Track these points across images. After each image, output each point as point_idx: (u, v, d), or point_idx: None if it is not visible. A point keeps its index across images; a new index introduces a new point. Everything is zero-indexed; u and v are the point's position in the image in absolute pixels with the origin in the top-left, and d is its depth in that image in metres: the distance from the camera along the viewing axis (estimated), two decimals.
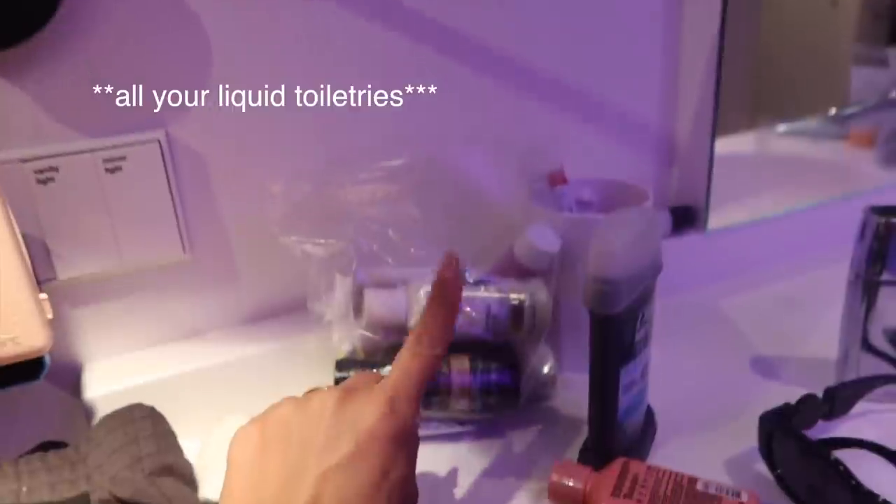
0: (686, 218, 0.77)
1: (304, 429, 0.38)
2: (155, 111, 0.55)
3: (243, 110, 0.57)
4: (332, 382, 0.55)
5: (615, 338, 0.48)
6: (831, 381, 0.60)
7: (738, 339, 0.70)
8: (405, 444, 0.39)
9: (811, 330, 0.70)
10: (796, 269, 0.81)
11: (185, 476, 0.50)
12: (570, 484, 0.48)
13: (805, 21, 0.98)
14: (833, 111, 1.02)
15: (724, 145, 0.76)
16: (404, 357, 0.41)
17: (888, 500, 0.43)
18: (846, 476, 0.44)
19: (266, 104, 0.57)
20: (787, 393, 0.54)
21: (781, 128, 1.05)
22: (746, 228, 0.80)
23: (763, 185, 0.91)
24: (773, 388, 0.62)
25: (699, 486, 0.46)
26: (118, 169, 0.54)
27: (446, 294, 0.43)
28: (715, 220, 0.78)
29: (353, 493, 0.36)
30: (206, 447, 0.52)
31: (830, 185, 0.93)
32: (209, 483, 0.48)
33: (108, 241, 0.56)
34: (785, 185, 0.92)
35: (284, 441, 0.38)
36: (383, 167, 0.55)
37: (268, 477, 0.37)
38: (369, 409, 0.38)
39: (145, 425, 0.52)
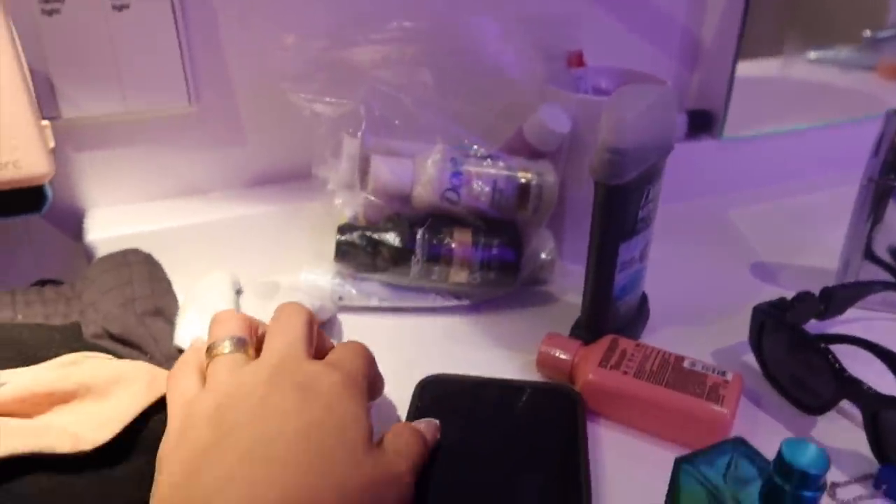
0: (702, 122, 0.75)
1: (244, 384, 0.35)
2: None
3: None
4: (332, 247, 0.55)
5: (618, 210, 0.47)
6: None
7: (741, 244, 0.70)
8: (354, 390, 0.36)
9: (814, 243, 0.70)
10: (808, 186, 0.81)
11: (173, 320, 0.51)
12: (559, 354, 0.49)
13: None
14: (868, 33, 0.98)
15: (749, 68, 0.74)
16: (346, 352, 0.40)
17: (872, 387, 0.44)
18: (833, 362, 0.45)
19: None
20: (782, 295, 0.54)
21: (811, 54, 1.02)
22: (762, 140, 0.79)
23: (785, 107, 0.88)
24: (769, 290, 0.62)
25: (685, 364, 0.47)
26: (125, 7, 0.53)
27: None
28: (731, 132, 0.77)
29: (299, 428, 0.33)
30: (185, 298, 0.53)
31: (853, 110, 0.91)
32: (179, 330, 0.49)
33: (113, 83, 0.55)
34: (807, 109, 0.90)
35: (228, 402, 0.34)
36: (398, 28, 0.54)
37: (201, 434, 0.33)
38: (310, 366, 0.36)
39: (141, 269, 0.52)
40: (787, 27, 0.91)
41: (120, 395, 0.39)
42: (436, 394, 0.45)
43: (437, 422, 0.41)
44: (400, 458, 0.36)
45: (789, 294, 0.55)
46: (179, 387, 0.37)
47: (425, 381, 0.46)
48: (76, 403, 0.38)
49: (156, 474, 0.34)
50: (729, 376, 0.46)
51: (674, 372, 0.46)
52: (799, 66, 1.01)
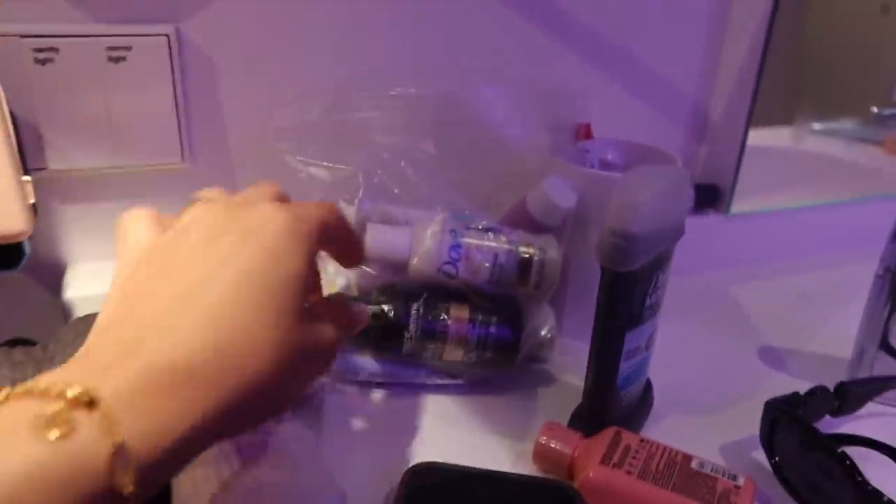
0: (710, 197, 0.74)
1: (188, 235, 0.33)
2: (168, 4, 0.51)
3: (260, 11, 0.53)
4: None
5: (625, 298, 0.45)
6: (840, 379, 0.57)
7: (747, 326, 0.67)
8: (300, 241, 0.33)
9: (824, 326, 0.67)
10: (816, 264, 0.79)
11: None
12: (558, 447, 0.45)
13: (853, 23, 0.93)
14: (875, 109, 0.98)
15: (756, 137, 0.74)
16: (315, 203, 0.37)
17: (893, 500, 0.40)
18: (852, 471, 0.42)
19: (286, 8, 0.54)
20: (793, 386, 0.51)
21: (817, 126, 1.01)
22: (769, 216, 0.77)
23: (792, 179, 0.87)
24: (779, 379, 0.60)
25: (693, 465, 0.44)
26: (122, 59, 0.51)
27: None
28: (738, 206, 0.75)
29: (232, 276, 0.30)
30: None
31: (860, 186, 0.90)
32: None
33: (104, 135, 0.53)
34: (814, 182, 0.89)
35: (165, 248, 0.33)
36: (401, 95, 0.52)
37: (139, 271, 0.32)
38: (261, 206, 0.33)
39: None
40: (794, 99, 0.91)
41: None
42: (425, 483, 0.42)
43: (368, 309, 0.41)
44: (332, 328, 0.34)
45: (800, 384, 0.52)
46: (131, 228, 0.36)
47: (415, 469, 0.43)
48: None
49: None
50: (741, 480, 0.43)
51: (681, 474, 0.43)
52: (805, 138, 1.00)
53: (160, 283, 0.31)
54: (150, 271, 0.32)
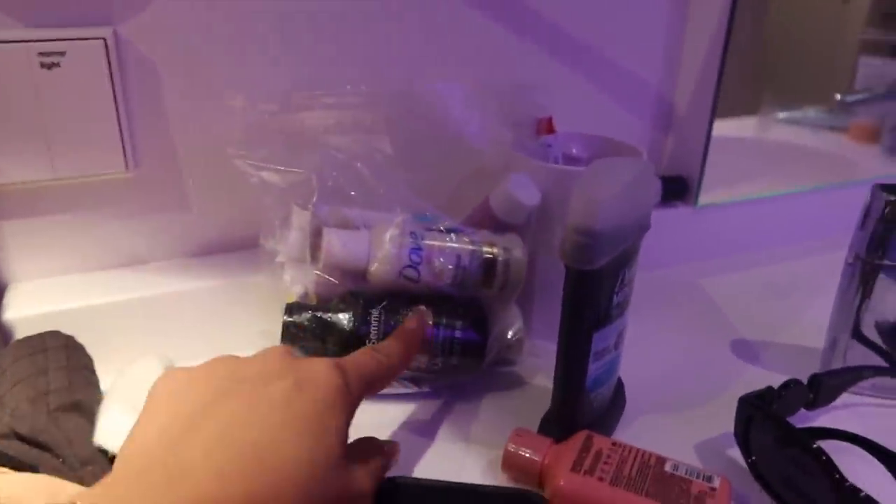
0: (677, 189, 0.72)
1: (242, 369, 0.35)
2: (104, 6, 0.49)
3: (202, 12, 0.50)
4: (279, 328, 0.50)
5: (591, 297, 0.43)
6: (814, 371, 0.56)
7: (719, 319, 0.66)
8: (345, 402, 0.36)
9: (795, 318, 0.66)
10: (786, 255, 0.78)
11: (93, 415, 0.44)
12: (527, 455, 0.44)
13: (815, 10, 0.93)
14: (838, 96, 0.98)
15: (722, 128, 0.73)
16: (360, 352, 0.41)
17: (870, 496, 0.39)
18: (828, 467, 0.40)
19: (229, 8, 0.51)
20: (766, 379, 0.50)
21: (781, 115, 1.01)
22: (737, 206, 0.76)
23: (758, 169, 0.87)
24: (752, 373, 0.58)
25: (667, 468, 0.42)
26: (55, 65, 0.48)
27: (411, 334, 0.46)
28: (705, 198, 0.74)
29: (282, 420, 0.32)
30: (111, 389, 0.47)
31: (827, 175, 0.90)
32: (101, 427, 0.42)
33: (40, 147, 0.50)
34: (781, 171, 0.88)
35: (218, 375, 0.35)
36: (355, 92, 0.50)
37: (191, 398, 0.33)
38: (316, 363, 0.37)
39: (58, 356, 0.47)
40: (758, 89, 0.90)
41: None
42: (393, 499, 0.40)
43: (398, 444, 0.43)
44: (370, 479, 0.36)
45: (773, 376, 0.51)
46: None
47: (381, 485, 0.41)
48: None
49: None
50: (716, 482, 0.41)
51: (654, 478, 0.41)
52: (770, 127, 1.00)
53: (210, 412, 0.32)
54: (203, 396, 0.33)
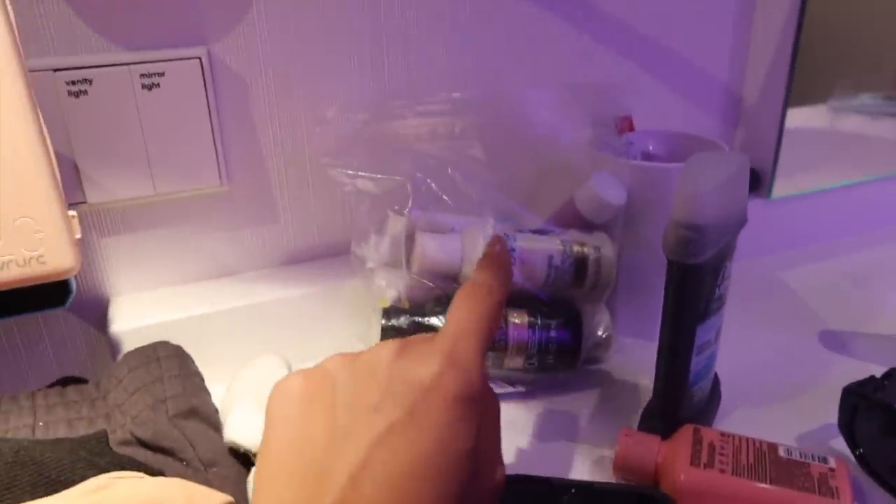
0: (750, 182, 0.72)
1: (352, 385, 0.33)
2: (197, 26, 0.50)
3: (292, 26, 0.52)
4: (374, 331, 0.51)
5: (695, 291, 0.43)
6: None
7: (802, 311, 0.66)
8: (471, 405, 0.33)
9: (879, 307, 0.66)
10: (863, 243, 0.77)
11: (210, 420, 0.46)
12: (640, 455, 0.44)
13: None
14: None
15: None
16: (460, 307, 0.36)
17: None
18: None
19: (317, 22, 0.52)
20: (858, 369, 0.50)
21: (841, 104, 1.00)
22: (811, 197, 0.75)
23: (823, 159, 0.86)
24: (842, 363, 0.58)
25: (781, 453, 0.42)
26: (156, 86, 0.50)
27: (498, 257, 0.40)
28: (778, 190, 0.74)
29: (403, 468, 0.30)
30: (231, 388, 0.48)
31: (893, 161, 0.88)
32: (231, 423, 0.44)
33: (142, 165, 0.52)
34: (847, 160, 0.87)
35: (330, 398, 0.33)
36: (445, 99, 0.51)
37: (311, 437, 0.32)
38: (426, 364, 0.33)
39: (171, 364, 0.48)
40: (818, 77, 0.89)
41: None
42: (514, 496, 0.40)
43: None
44: (498, 465, 0.34)
45: (865, 366, 0.51)
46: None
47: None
48: None
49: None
50: (832, 463, 0.41)
51: (773, 464, 0.41)
52: (828, 116, 0.98)
53: (336, 459, 0.30)
54: (322, 432, 0.32)
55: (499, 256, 0.40)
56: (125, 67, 0.49)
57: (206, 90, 0.52)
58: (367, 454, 0.30)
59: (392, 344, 0.34)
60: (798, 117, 0.86)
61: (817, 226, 0.76)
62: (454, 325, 0.35)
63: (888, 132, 1.00)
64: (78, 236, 0.45)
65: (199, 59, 0.51)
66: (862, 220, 0.78)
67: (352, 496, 0.29)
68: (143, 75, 0.50)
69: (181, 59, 0.50)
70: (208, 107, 0.52)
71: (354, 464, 0.30)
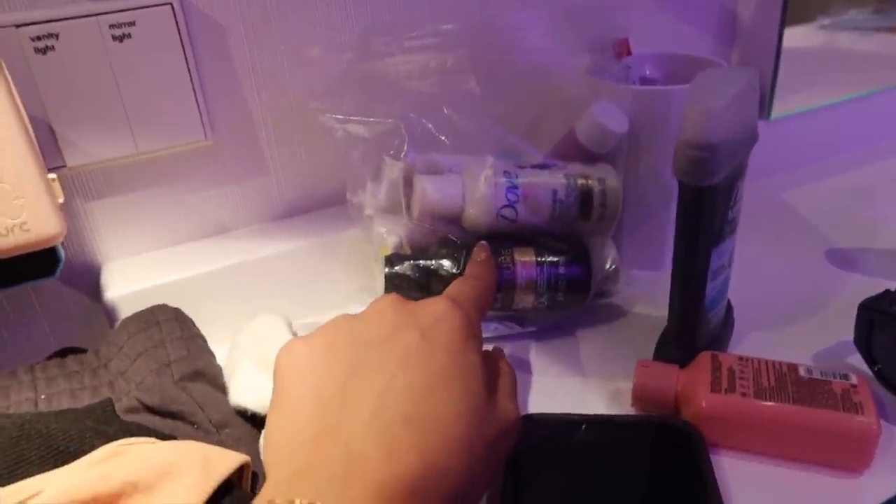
0: None
1: (361, 329, 0.34)
2: None
3: None
4: (377, 281, 0.50)
5: (709, 213, 0.42)
6: None
7: (809, 231, 0.65)
8: (474, 336, 0.36)
9: (885, 222, 0.65)
10: (863, 159, 0.76)
11: (216, 381, 0.45)
12: (660, 385, 0.43)
13: None
14: None
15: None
16: (453, 286, 0.40)
17: None
18: None
19: None
20: (868, 285, 0.49)
21: (825, 21, 0.97)
22: (811, 116, 0.74)
23: (817, 77, 0.83)
24: (853, 280, 0.57)
25: (801, 373, 0.42)
26: (127, 37, 0.47)
27: (482, 265, 0.45)
28: (778, 110, 0.72)
29: (426, 381, 0.31)
30: (232, 351, 0.47)
31: (889, 75, 0.86)
32: (236, 386, 0.43)
33: (121, 123, 0.49)
34: (841, 77, 0.85)
35: (341, 342, 0.34)
36: (434, 32, 0.48)
37: (326, 376, 0.32)
38: (432, 305, 0.36)
39: (172, 327, 0.47)
40: None
41: (172, 489, 0.33)
42: (533, 436, 0.40)
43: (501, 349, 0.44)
44: (511, 401, 0.36)
45: (876, 282, 0.50)
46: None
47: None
48: None
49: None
50: (853, 378, 0.41)
51: (795, 384, 0.40)
52: (816, 33, 0.96)
53: (354, 388, 0.31)
54: (337, 371, 0.32)
55: (484, 264, 0.45)
56: (93, 19, 0.46)
57: (181, 38, 0.49)
58: (388, 377, 0.31)
59: (394, 296, 0.37)
60: (789, 36, 0.84)
61: (817, 145, 0.75)
62: (449, 290, 0.39)
63: (879, 46, 0.98)
64: (61, 200, 0.43)
65: (171, 4, 0.48)
66: (861, 136, 0.77)
67: (382, 416, 0.30)
68: (112, 26, 0.47)
69: (152, 5, 0.47)
70: (185, 56, 0.49)
71: (377, 388, 0.31)
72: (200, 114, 0.51)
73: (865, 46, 0.96)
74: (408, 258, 0.49)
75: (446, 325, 0.34)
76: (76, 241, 0.52)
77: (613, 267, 0.53)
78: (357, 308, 0.37)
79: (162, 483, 0.33)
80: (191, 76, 0.50)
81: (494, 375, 0.38)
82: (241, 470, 0.37)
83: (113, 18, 0.47)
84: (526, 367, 0.50)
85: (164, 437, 0.40)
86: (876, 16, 0.98)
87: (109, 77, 0.48)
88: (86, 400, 0.44)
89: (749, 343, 0.51)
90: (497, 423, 0.34)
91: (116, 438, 0.37)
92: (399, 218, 0.51)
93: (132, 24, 0.47)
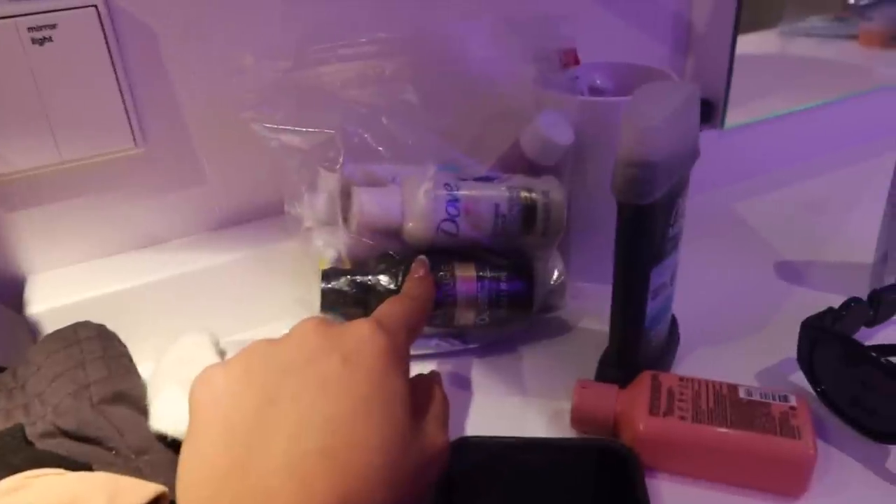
0: (702, 112, 0.69)
1: (280, 354, 0.33)
2: None
3: None
4: (314, 295, 0.48)
5: (647, 232, 0.41)
6: (862, 286, 0.55)
7: (758, 243, 0.64)
8: (400, 361, 0.34)
9: (835, 234, 0.65)
10: (814, 170, 0.76)
11: (138, 404, 0.43)
12: (598, 406, 0.42)
13: None
14: (851, 0, 0.94)
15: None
16: (383, 305, 0.39)
17: None
18: None
19: None
20: (816, 299, 0.49)
21: (785, 28, 0.97)
22: (764, 125, 0.73)
23: (775, 85, 0.83)
24: (800, 294, 0.57)
25: (741, 394, 0.41)
26: (48, 40, 0.45)
27: (420, 281, 0.44)
28: (731, 119, 0.71)
29: (345, 409, 0.30)
30: (155, 373, 0.45)
31: (845, 84, 0.87)
32: (157, 410, 0.41)
33: (42, 130, 0.47)
34: (800, 85, 0.85)
35: (257, 368, 0.32)
36: (372, 40, 0.46)
37: (240, 405, 0.31)
38: (356, 327, 0.34)
39: (93, 346, 0.44)
40: (760, 2, 0.86)
41: None
42: (468, 459, 0.38)
43: (438, 373, 0.43)
44: (440, 428, 0.35)
45: (823, 296, 0.50)
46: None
47: (454, 445, 0.40)
48: None
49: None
50: (792, 400, 0.40)
51: (733, 407, 0.40)
52: (775, 41, 0.96)
53: (270, 417, 0.30)
54: (253, 400, 0.31)
55: (424, 278, 0.44)
56: (10, 21, 0.44)
57: (106, 42, 0.46)
58: (305, 405, 0.30)
59: (317, 318, 0.35)
60: (748, 43, 0.84)
61: (771, 155, 0.74)
62: (378, 311, 0.37)
63: (839, 54, 0.99)
64: None
65: (95, 6, 0.46)
66: (816, 146, 0.77)
67: (297, 449, 0.28)
68: (31, 28, 0.44)
69: (74, 7, 0.45)
70: (112, 61, 0.47)
71: (294, 418, 0.30)
72: (129, 120, 0.49)
73: (825, 54, 0.97)
74: (345, 273, 0.48)
75: (369, 349, 0.33)
76: None
77: (560, 281, 0.52)
78: (291, 323, 0.36)
79: None
80: (118, 82, 0.48)
81: (426, 400, 0.37)
82: (159, 500, 0.35)
83: (32, 21, 0.44)
84: (466, 386, 0.48)
85: (78, 465, 0.38)
86: (837, 23, 0.98)
87: (30, 82, 0.45)
88: None
89: (694, 359, 0.50)
90: (421, 451, 0.33)
91: (21, 469, 0.35)
92: (337, 231, 0.49)
93: (53, 26, 0.45)
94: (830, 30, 0.98)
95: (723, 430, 0.38)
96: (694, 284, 0.54)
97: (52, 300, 0.49)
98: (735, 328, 0.53)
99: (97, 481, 0.34)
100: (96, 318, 0.47)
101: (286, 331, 0.35)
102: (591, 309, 0.55)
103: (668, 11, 0.68)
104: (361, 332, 0.34)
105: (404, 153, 0.47)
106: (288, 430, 0.29)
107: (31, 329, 0.49)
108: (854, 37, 1.00)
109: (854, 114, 0.79)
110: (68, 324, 0.47)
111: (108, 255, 0.53)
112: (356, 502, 0.28)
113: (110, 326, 0.47)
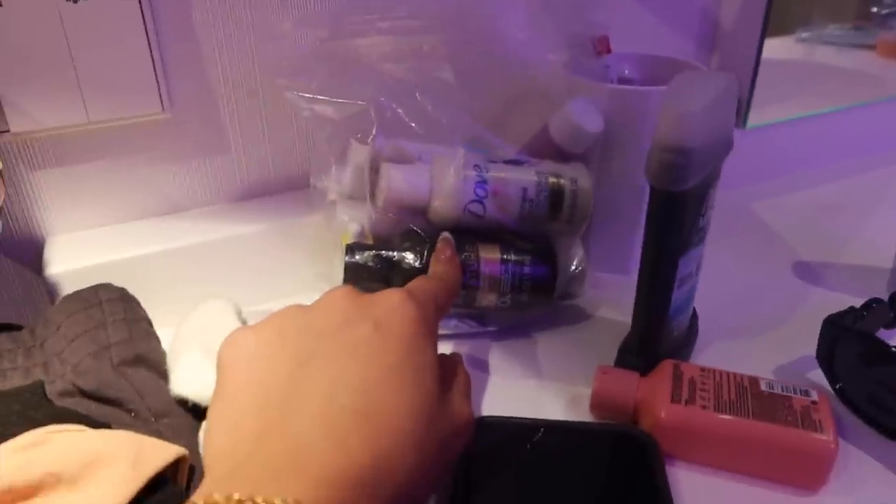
0: None
1: (311, 319, 0.33)
2: None
3: None
4: (336, 270, 0.48)
5: (679, 220, 0.41)
6: (880, 289, 0.55)
7: (777, 242, 0.64)
8: (429, 330, 0.34)
9: (854, 237, 0.65)
10: (834, 174, 0.76)
11: (158, 368, 0.43)
12: (619, 392, 0.42)
13: None
14: (874, 9, 0.93)
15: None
16: (417, 280, 0.39)
17: None
18: None
19: None
20: (833, 300, 0.49)
21: (803, 34, 0.97)
22: (786, 127, 0.73)
23: (794, 90, 0.83)
24: (817, 295, 0.57)
25: (763, 387, 0.41)
26: None
27: (447, 262, 0.43)
28: (753, 119, 0.71)
29: (378, 374, 0.30)
30: (176, 338, 0.44)
31: (861, 92, 0.87)
32: (179, 375, 0.41)
33: (71, 89, 0.46)
34: (818, 90, 0.85)
35: (290, 333, 0.32)
36: (411, 14, 0.46)
37: (273, 367, 0.31)
38: (387, 296, 0.34)
39: (115, 308, 0.44)
40: (782, 9, 0.86)
41: (98, 482, 0.31)
42: (486, 439, 0.38)
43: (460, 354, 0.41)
44: (466, 402, 0.35)
45: (840, 297, 0.50)
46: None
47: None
48: (43, 499, 0.30)
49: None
50: (814, 395, 0.40)
51: (755, 399, 0.40)
52: (793, 47, 0.96)
53: (303, 379, 0.30)
54: (286, 363, 0.31)
55: (448, 262, 0.43)
56: None
57: (140, 2, 0.46)
58: (338, 368, 0.30)
59: (347, 287, 0.35)
60: (768, 48, 0.84)
61: (791, 156, 0.74)
62: (410, 284, 0.37)
63: (855, 63, 0.99)
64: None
65: None
66: (836, 150, 0.77)
67: (331, 406, 0.28)
68: None
69: None
70: (143, 20, 0.47)
71: (327, 379, 0.30)
72: (158, 85, 0.49)
73: (842, 62, 0.97)
74: (369, 248, 0.48)
75: (400, 316, 0.33)
76: (19, 211, 0.50)
77: (580, 269, 0.52)
78: (312, 297, 0.35)
79: (87, 475, 0.31)
80: (150, 44, 0.47)
81: (450, 375, 0.37)
82: (178, 463, 0.35)
83: None
84: (484, 368, 0.48)
85: (97, 424, 0.38)
86: (855, 32, 0.98)
87: (61, 39, 0.45)
88: (16, 381, 0.41)
89: (712, 353, 0.50)
90: (450, 421, 0.33)
91: (43, 424, 0.34)
92: (362, 205, 0.49)
93: None
94: (848, 38, 0.98)
95: (745, 420, 0.38)
96: (714, 279, 0.54)
97: (71, 262, 0.49)
98: (752, 325, 0.53)
99: (121, 440, 0.34)
100: (115, 282, 0.47)
101: (308, 303, 0.35)
102: (609, 298, 0.55)
103: (696, 6, 0.67)
104: (392, 301, 0.34)
105: (435, 132, 0.47)
106: (322, 389, 0.29)
107: (49, 291, 0.49)
108: (872, 46, 1.00)
109: (875, 121, 0.80)
110: (86, 286, 0.46)
111: (129, 219, 0.53)
112: (387, 462, 0.28)
113: (129, 291, 0.47)
